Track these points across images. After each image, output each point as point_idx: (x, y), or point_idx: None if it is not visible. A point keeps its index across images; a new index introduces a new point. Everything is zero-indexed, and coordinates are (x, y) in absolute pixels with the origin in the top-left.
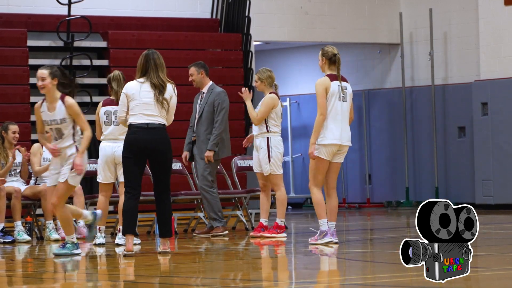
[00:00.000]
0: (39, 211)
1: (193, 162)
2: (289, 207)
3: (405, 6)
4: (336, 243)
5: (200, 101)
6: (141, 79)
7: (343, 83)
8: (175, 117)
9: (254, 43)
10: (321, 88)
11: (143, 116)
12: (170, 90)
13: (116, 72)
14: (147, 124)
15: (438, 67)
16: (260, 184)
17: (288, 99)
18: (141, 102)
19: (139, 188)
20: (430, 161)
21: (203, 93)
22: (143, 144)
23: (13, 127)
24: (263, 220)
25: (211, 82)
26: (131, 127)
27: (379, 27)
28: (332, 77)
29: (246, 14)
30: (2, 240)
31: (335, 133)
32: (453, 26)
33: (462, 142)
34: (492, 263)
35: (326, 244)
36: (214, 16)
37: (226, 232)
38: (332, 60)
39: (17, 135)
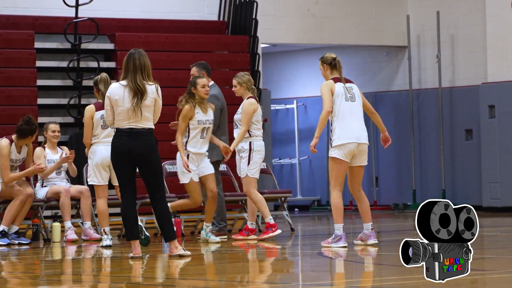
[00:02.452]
0: (46, 213)
1: None
2: (296, 209)
3: (412, 8)
4: (374, 244)
5: None
6: (124, 82)
7: (348, 84)
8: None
9: (261, 45)
10: (326, 88)
11: (127, 121)
12: (153, 92)
13: (103, 75)
14: (131, 129)
15: (445, 70)
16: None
17: (295, 101)
18: (125, 108)
19: (132, 189)
20: (437, 163)
21: None
22: (127, 149)
23: (53, 126)
24: (249, 223)
25: (211, 83)
26: (117, 131)
27: (386, 30)
28: (336, 80)
29: (253, 17)
30: (17, 241)
31: (348, 132)
32: (460, 28)
33: (469, 144)
34: (498, 266)
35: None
36: (221, 18)
37: (223, 237)
38: (332, 65)
39: (57, 134)
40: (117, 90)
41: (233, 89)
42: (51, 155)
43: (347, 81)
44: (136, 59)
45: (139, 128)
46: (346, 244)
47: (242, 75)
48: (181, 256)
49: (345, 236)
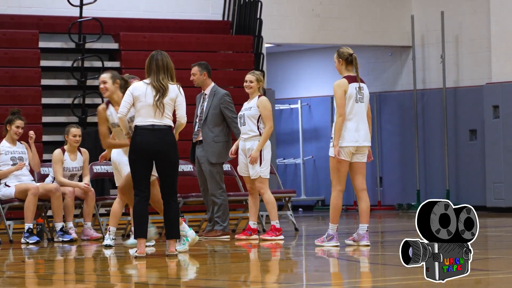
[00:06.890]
0: (49, 212)
1: (197, 164)
2: (300, 209)
3: (416, 8)
4: (367, 245)
5: (202, 102)
6: (147, 80)
7: (361, 84)
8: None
9: (265, 45)
10: (340, 90)
11: (149, 118)
12: (175, 91)
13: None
14: (153, 125)
15: (449, 70)
16: (247, 188)
17: (299, 101)
18: (146, 103)
19: (148, 190)
20: (441, 164)
21: (205, 94)
22: (148, 146)
23: (74, 130)
24: (252, 223)
25: (213, 84)
26: (137, 128)
27: (391, 30)
28: (350, 79)
29: (258, 16)
30: (61, 239)
31: (351, 134)
32: (465, 29)
33: (473, 145)
34: (502, 266)
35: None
36: (225, 18)
37: (226, 237)
38: (348, 61)
39: (78, 138)
40: (140, 87)
41: (247, 84)
42: (69, 162)
43: (361, 80)
44: (159, 60)
45: (160, 125)
46: (338, 244)
47: (259, 73)
48: (168, 256)
49: (337, 236)
